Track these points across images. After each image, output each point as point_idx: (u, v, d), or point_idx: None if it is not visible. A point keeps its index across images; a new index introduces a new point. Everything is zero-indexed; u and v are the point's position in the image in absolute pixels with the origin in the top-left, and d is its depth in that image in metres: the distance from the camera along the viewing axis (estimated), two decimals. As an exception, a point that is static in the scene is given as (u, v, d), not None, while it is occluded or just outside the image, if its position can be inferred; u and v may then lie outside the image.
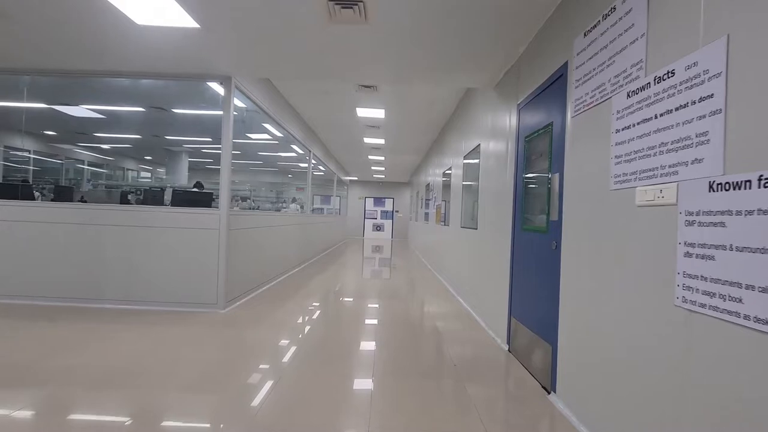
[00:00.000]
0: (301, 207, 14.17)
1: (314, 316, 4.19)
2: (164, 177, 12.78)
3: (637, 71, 1.72)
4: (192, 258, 4.14)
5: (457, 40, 3.13)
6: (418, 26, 2.96)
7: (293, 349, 3.17)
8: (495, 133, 4.00)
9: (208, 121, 8.19)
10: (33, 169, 10.58)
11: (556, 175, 2.50)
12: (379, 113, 6.87)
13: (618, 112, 1.84)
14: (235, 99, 4.99)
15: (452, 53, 3.39)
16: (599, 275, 1.95)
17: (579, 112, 2.22)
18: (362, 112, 6.87)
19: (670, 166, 1.49)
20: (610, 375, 1.83)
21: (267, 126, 7.53)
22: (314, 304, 4.76)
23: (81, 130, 9.47)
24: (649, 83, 1.64)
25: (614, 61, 1.90)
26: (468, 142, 5.33)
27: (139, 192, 4.27)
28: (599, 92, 2.01)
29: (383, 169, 15.19)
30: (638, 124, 1.69)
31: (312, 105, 6.74)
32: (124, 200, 4.44)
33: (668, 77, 1.52)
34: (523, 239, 3.09)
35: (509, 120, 3.53)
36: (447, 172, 7.18)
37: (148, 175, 16.00)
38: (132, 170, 15.51)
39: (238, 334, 3.47)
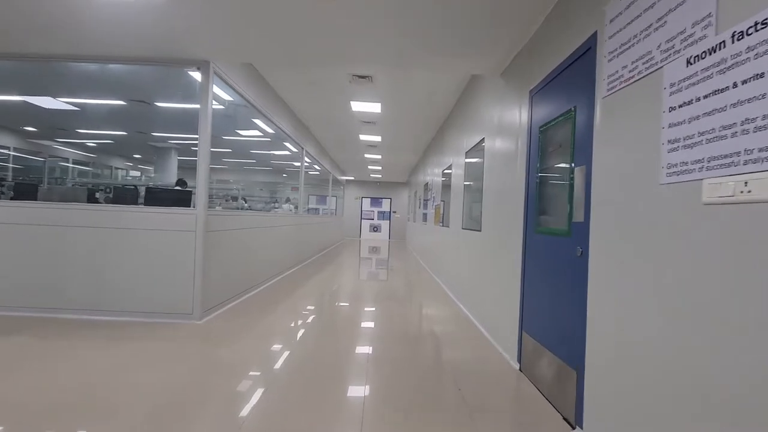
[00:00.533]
0: (296, 207, 13.79)
1: (301, 328, 3.78)
2: (152, 176, 12.34)
3: (703, 30, 1.33)
4: (165, 263, 3.72)
5: (461, 18, 2.74)
6: (416, 1, 2.56)
7: (273, 372, 2.76)
8: (502, 126, 3.61)
9: (194, 116, 7.77)
10: (13, 167, 10.12)
11: (581, 169, 2.10)
12: (374, 107, 6.47)
13: (672, 85, 1.45)
14: (216, 88, 4.59)
15: (455, 34, 2.99)
16: (644, 290, 1.56)
17: (613, 90, 1.83)
18: (357, 106, 6.47)
19: (761, 150, 1.10)
20: (658, 411, 1.43)
21: (257, 122, 7.12)
22: (303, 312, 4.35)
23: (60, 126, 9.03)
24: (722, 43, 1.25)
25: (665, 21, 1.50)
26: (470, 138, 4.94)
27: (108, 190, 3.82)
28: (643, 63, 1.62)
29: (380, 168, 14.80)
30: (706, 97, 1.30)
31: (304, 98, 6.33)
32: (92, 199, 4.01)
33: (757, 29, 1.13)
34: (537, 243, 2.70)
35: (520, 110, 3.14)
36: (447, 171, 6.79)
37: (138, 173, 15.55)
38: (120, 169, 15.06)
39: (210, 352, 3.05)
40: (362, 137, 8.98)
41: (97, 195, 4.03)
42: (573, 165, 2.22)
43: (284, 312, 4.32)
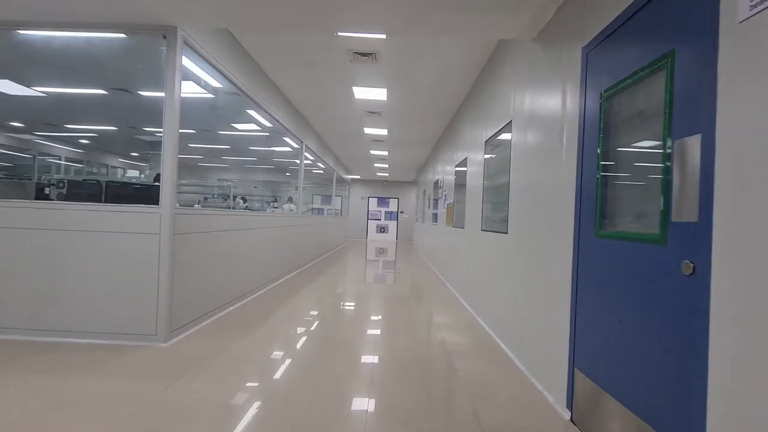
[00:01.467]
0: (297, 207, 13.15)
1: (288, 357, 3.09)
2: (147, 173, 11.77)
3: None
4: (123, 272, 3.06)
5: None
6: None
7: (248, 419, 2.07)
8: (536, 107, 2.88)
9: (187, 107, 7.15)
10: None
11: (692, 141, 1.38)
12: (380, 94, 5.77)
13: None
14: (198, 69, 3.95)
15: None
16: None
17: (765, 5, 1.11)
18: (360, 93, 5.78)
19: None
20: None
21: (251, 113, 6.47)
22: (293, 331, 3.66)
23: (46, 120, 8.47)
24: None
25: None
26: (491, 125, 4.21)
27: (62, 184, 3.18)
28: None
29: (387, 166, 14.10)
30: None
31: (300, 84, 5.65)
32: (41, 195, 3.36)
33: None
34: (600, 251, 1.97)
35: (563, 79, 2.41)
36: (460, 167, 6.07)
37: (137, 172, 15.03)
38: (117, 167, 14.55)
39: (168, 393, 2.37)
40: (367, 131, 8.29)
41: (47, 191, 3.38)
42: (670, 138, 1.49)
43: (270, 331, 3.63)
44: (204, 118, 7.88)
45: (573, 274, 2.20)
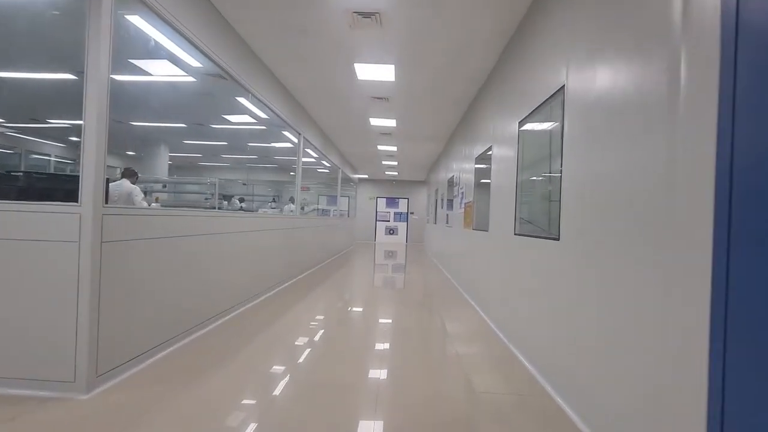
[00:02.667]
0: (302, 207, 12.31)
1: (263, 410, 2.21)
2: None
3: None
4: (28, 295, 2.21)
5: None
6: None
7: None
8: (609, 41, 1.95)
9: (162, 92, 6.37)
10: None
11: None
12: (386, 73, 4.88)
13: None
14: (148, 25, 3.12)
15: None
16: None
17: None
18: (364, 72, 4.90)
19: None
20: None
21: (242, 102, 5.65)
22: (272, 369, 2.78)
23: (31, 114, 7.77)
24: None
25: None
26: (527, 102, 3.29)
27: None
28: None
29: (396, 164, 13.21)
30: None
31: (294, 62, 4.78)
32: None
33: None
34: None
35: (680, -9, 1.49)
36: (481, 163, 5.15)
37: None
38: (113, 167, 13.90)
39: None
40: (373, 122, 7.41)
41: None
42: None
43: (240, 372, 2.76)
44: (187, 105, 7.09)
45: (720, 304, 1.26)
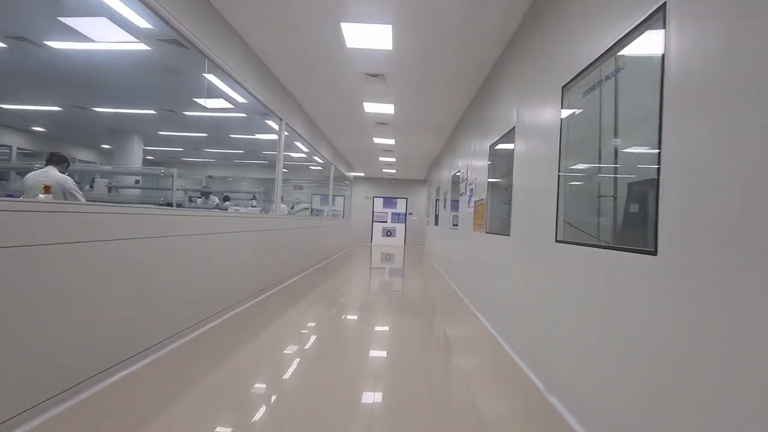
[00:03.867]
0: (292, 207, 11.31)
1: None
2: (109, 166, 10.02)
3: None
4: None
5: None
6: None
7: None
8: None
9: (116, 65, 5.37)
10: None
11: None
12: (382, 37, 3.91)
13: None
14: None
15: None
16: None
17: None
18: (353, 36, 3.93)
19: None
20: None
21: (211, 80, 4.68)
22: (226, 421, 1.81)
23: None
24: None
25: None
26: (572, 63, 2.33)
27: None
28: None
29: (394, 160, 12.25)
30: None
31: (269, 26, 3.80)
32: None
33: None
34: None
35: None
36: (493, 156, 4.18)
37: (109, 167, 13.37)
38: (92, 162, 12.89)
39: None
40: (368, 107, 6.44)
41: None
42: None
43: (182, 421, 1.78)
44: (149, 84, 6.10)
45: None
